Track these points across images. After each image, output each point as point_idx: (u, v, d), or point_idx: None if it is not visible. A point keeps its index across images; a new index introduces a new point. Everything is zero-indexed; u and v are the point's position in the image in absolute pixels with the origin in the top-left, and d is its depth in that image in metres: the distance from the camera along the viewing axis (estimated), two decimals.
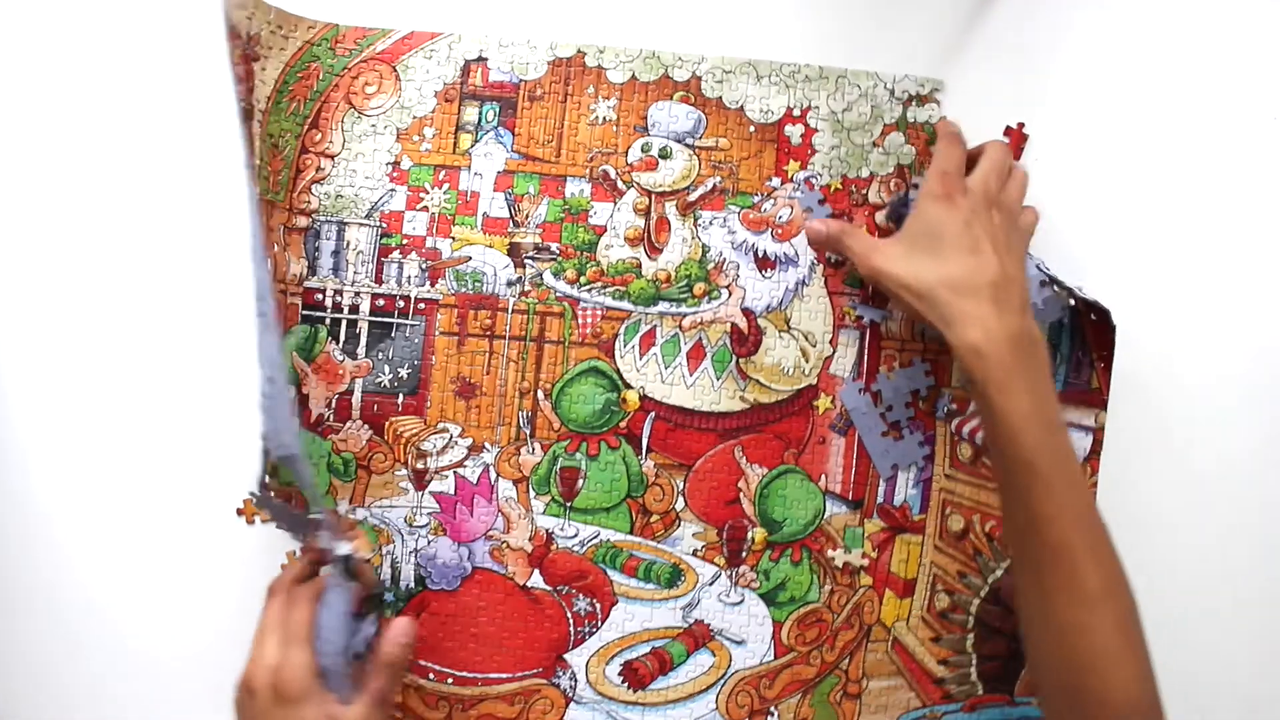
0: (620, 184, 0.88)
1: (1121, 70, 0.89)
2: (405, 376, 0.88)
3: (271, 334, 0.75)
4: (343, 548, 0.80)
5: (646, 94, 0.88)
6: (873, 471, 0.89)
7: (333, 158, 0.88)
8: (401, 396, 0.88)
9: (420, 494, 0.89)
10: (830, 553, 0.88)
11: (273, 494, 0.81)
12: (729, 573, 0.89)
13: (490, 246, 0.88)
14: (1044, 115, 0.88)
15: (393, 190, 0.88)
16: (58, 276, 0.90)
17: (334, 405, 0.88)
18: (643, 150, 0.88)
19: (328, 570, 0.80)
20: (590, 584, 0.89)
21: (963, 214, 0.76)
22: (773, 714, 0.89)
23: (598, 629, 0.89)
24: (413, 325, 0.88)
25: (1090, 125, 0.88)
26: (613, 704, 0.88)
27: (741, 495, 0.89)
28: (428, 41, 0.88)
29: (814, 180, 0.88)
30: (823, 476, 0.89)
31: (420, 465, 0.88)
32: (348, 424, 0.88)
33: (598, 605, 0.89)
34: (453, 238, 0.88)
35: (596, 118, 0.88)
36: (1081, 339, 0.88)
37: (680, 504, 0.89)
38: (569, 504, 0.89)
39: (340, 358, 0.88)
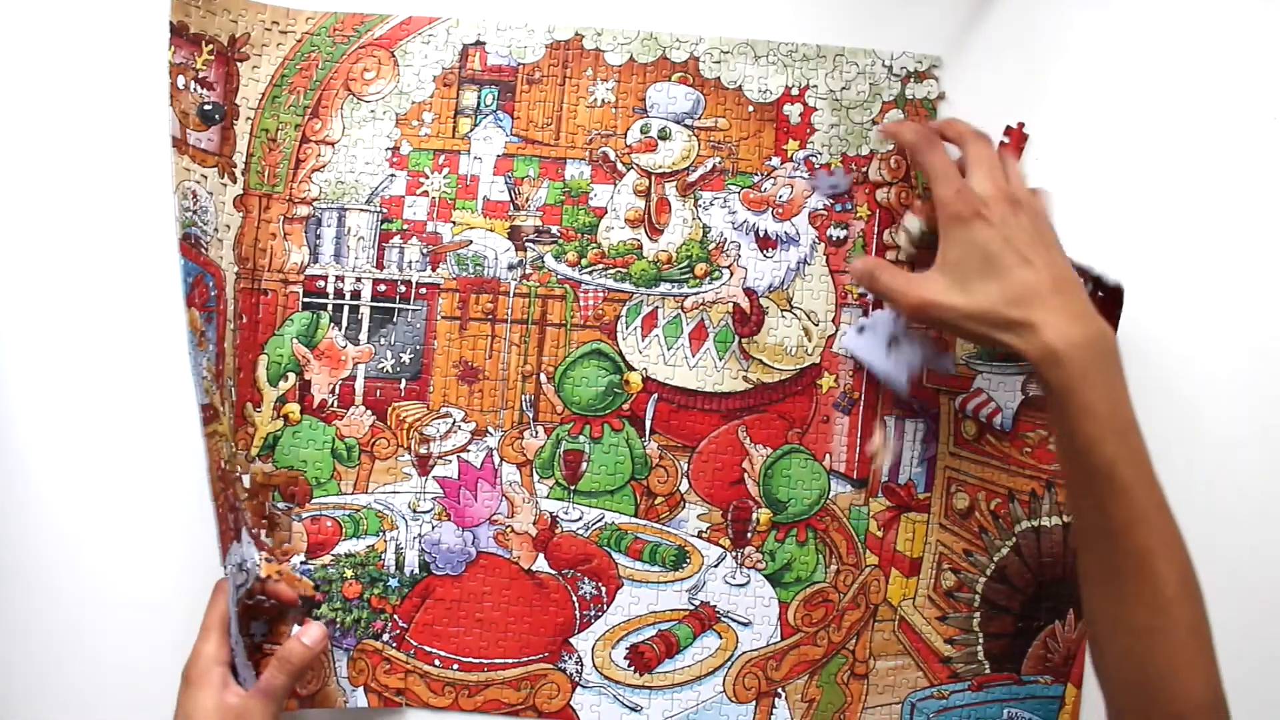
0: (620, 166, 0.88)
1: (1121, 70, 0.88)
2: (407, 361, 0.88)
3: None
4: (254, 565, 0.84)
5: (645, 75, 0.88)
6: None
7: (333, 144, 0.88)
8: (404, 381, 0.88)
9: (424, 479, 0.88)
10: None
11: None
12: (734, 554, 0.89)
13: (491, 230, 0.88)
14: (1044, 114, 0.88)
15: (393, 175, 0.88)
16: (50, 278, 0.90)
17: (337, 391, 0.88)
18: (642, 132, 0.88)
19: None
20: (595, 567, 0.89)
21: (997, 228, 0.73)
22: (780, 695, 0.89)
23: (603, 612, 0.88)
24: (414, 310, 0.88)
25: (1090, 125, 0.88)
26: (619, 687, 0.88)
27: (746, 476, 0.89)
28: (425, 26, 0.88)
29: (814, 159, 0.88)
30: (827, 455, 0.89)
31: (424, 450, 0.88)
32: (351, 410, 0.88)
33: (603, 589, 0.89)
34: (453, 222, 0.88)
35: (595, 100, 0.88)
36: None
37: (684, 485, 0.89)
38: (573, 487, 0.89)
39: (342, 344, 0.88)
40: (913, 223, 0.83)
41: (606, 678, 0.88)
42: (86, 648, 0.90)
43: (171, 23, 0.84)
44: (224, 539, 0.83)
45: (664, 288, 0.88)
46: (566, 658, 0.88)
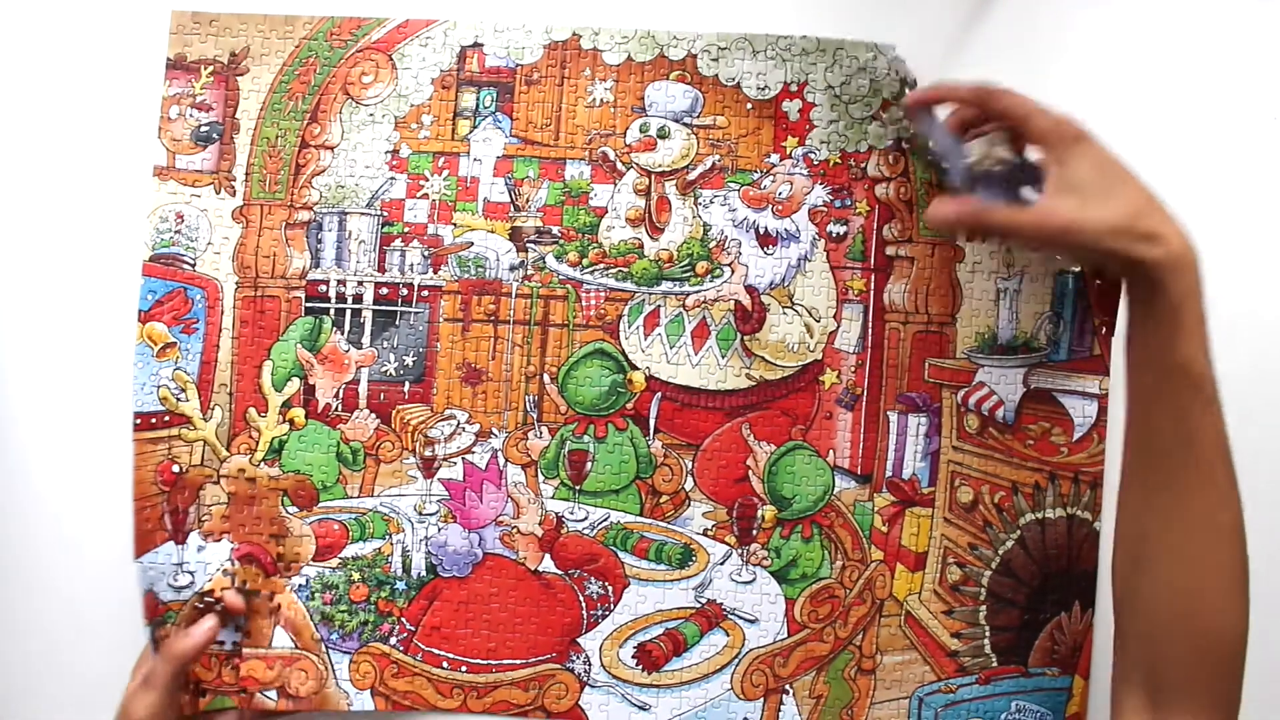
0: (620, 165, 0.88)
1: (1121, 70, 0.88)
2: (410, 364, 0.88)
3: None
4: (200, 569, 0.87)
5: (643, 74, 0.88)
6: (880, 445, 0.89)
7: (332, 149, 0.88)
8: (407, 384, 0.89)
9: (429, 481, 0.89)
10: None
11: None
12: (740, 551, 0.89)
13: (492, 232, 0.88)
14: None
15: (393, 179, 0.88)
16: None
17: (341, 395, 0.88)
18: (641, 131, 0.88)
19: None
20: (602, 567, 0.89)
21: (1099, 147, 0.75)
22: (788, 691, 0.89)
23: (610, 612, 0.89)
24: (416, 313, 0.88)
25: (1090, 125, 0.88)
26: (628, 686, 0.88)
27: (750, 473, 0.89)
28: (423, 29, 0.88)
29: (813, 156, 0.88)
30: (830, 451, 0.89)
31: (428, 453, 0.88)
32: (355, 413, 0.88)
33: (610, 588, 0.89)
34: (454, 224, 0.88)
35: (594, 100, 0.88)
36: (1085, 303, 0.88)
37: (689, 484, 0.89)
38: (578, 487, 0.89)
39: (345, 348, 0.88)
40: (1002, 149, 0.80)
41: (615, 677, 0.88)
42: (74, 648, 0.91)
43: (169, 57, 0.86)
44: (147, 538, 0.86)
45: (665, 286, 0.88)
46: (574, 658, 0.88)
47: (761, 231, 0.88)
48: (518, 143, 0.88)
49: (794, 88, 0.88)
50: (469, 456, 0.88)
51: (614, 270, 0.88)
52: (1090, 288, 0.87)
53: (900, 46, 0.88)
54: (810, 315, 0.88)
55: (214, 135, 0.88)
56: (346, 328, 0.88)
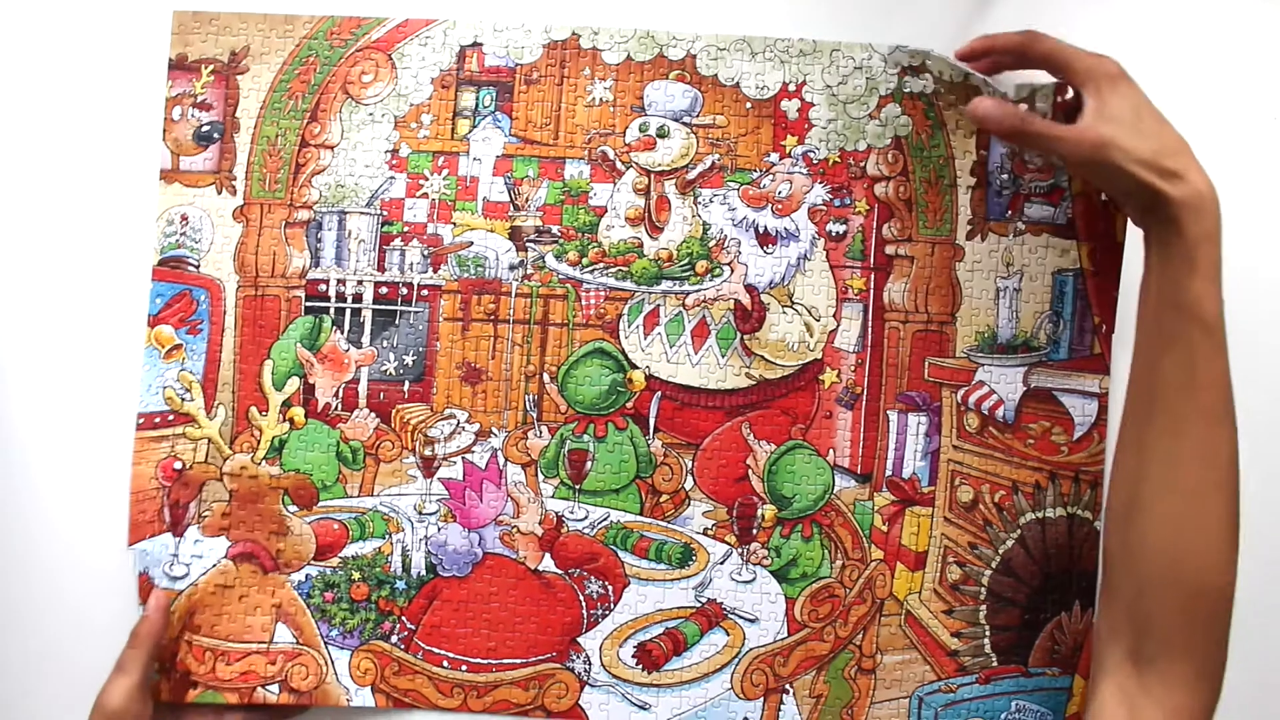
0: (619, 164, 0.88)
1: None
2: (410, 363, 0.89)
3: None
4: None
5: (642, 74, 0.88)
6: (880, 445, 0.89)
7: (332, 148, 0.89)
8: (407, 384, 0.89)
9: (429, 481, 0.89)
10: None
11: None
12: (740, 550, 0.89)
13: (491, 231, 0.88)
14: None
15: (392, 178, 0.88)
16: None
17: (341, 394, 0.88)
18: (640, 130, 0.88)
19: None
20: (602, 566, 0.89)
21: (1136, 88, 0.77)
22: (788, 691, 0.89)
23: (610, 611, 0.89)
24: (416, 312, 0.89)
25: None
26: (628, 686, 0.88)
27: (750, 472, 0.89)
28: (422, 29, 0.88)
29: (812, 155, 0.88)
30: (830, 451, 0.89)
31: (428, 452, 0.89)
32: (355, 412, 0.89)
33: (610, 587, 0.89)
34: (454, 223, 0.88)
35: (593, 99, 0.88)
36: (1084, 302, 0.88)
37: (689, 483, 0.89)
38: (578, 486, 0.89)
39: (345, 347, 0.89)
40: (1044, 105, 0.82)
41: (615, 676, 0.88)
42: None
43: (170, 58, 0.86)
44: (143, 528, 0.87)
45: (665, 285, 0.88)
46: (574, 657, 0.88)
47: (761, 230, 0.88)
48: (517, 142, 0.88)
49: (792, 87, 0.88)
50: (469, 456, 0.89)
51: (614, 269, 0.88)
52: (1090, 284, 0.87)
53: (898, 42, 0.88)
54: (810, 314, 0.88)
55: (215, 135, 0.89)
56: (346, 327, 0.89)
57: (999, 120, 0.78)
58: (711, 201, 0.88)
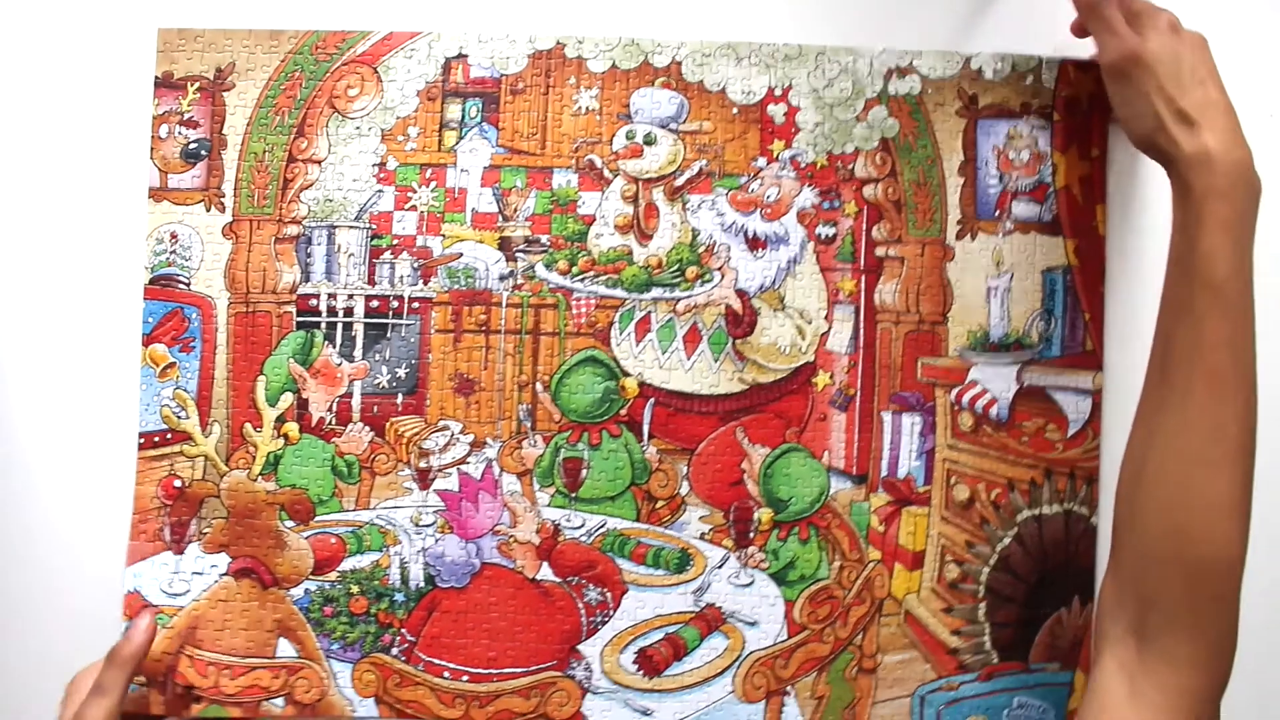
0: (607, 173, 0.88)
1: None
2: (403, 376, 0.89)
3: None
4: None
5: (628, 81, 0.88)
6: (875, 445, 0.89)
7: (319, 163, 0.89)
8: (401, 396, 0.89)
9: (425, 493, 0.89)
10: None
11: None
12: (738, 554, 0.89)
13: (481, 242, 0.88)
14: None
15: (380, 191, 0.88)
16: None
17: (334, 409, 0.89)
18: (627, 138, 0.88)
19: None
20: (600, 573, 0.89)
21: (1188, 49, 0.76)
22: (790, 693, 0.89)
23: (610, 618, 0.89)
24: (408, 325, 0.89)
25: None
26: (629, 692, 0.88)
27: (745, 476, 0.89)
28: (407, 41, 0.88)
29: (799, 159, 0.88)
30: (825, 453, 0.89)
31: (423, 464, 0.89)
32: (349, 426, 0.89)
33: (608, 594, 0.89)
34: (443, 235, 0.88)
35: (579, 108, 0.88)
36: (1075, 298, 0.88)
37: (685, 488, 0.89)
38: (574, 495, 0.89)
39: (338, 361, 0.89)
40: None
41: (616, 683, 0.88)
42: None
43: (156, 76, 0.86)
44: (142, 550, 0.88)
45: (656, 292, 0.88)
46: (575, 665, 0.89)
47: (750, 235, 0.88)
48: (504, 152, 0.88)
49: (778, 92, 0.88)
50: (464, 467, 0.89)
51: (604, 277, 0.88)
52: (1077, 279, 0.87)
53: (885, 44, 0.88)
54: (801, 317, 0.88)
55: (202, 152, 0.89)
56: (338, 341, 0.89)
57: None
58: (700, 207, 0.88)
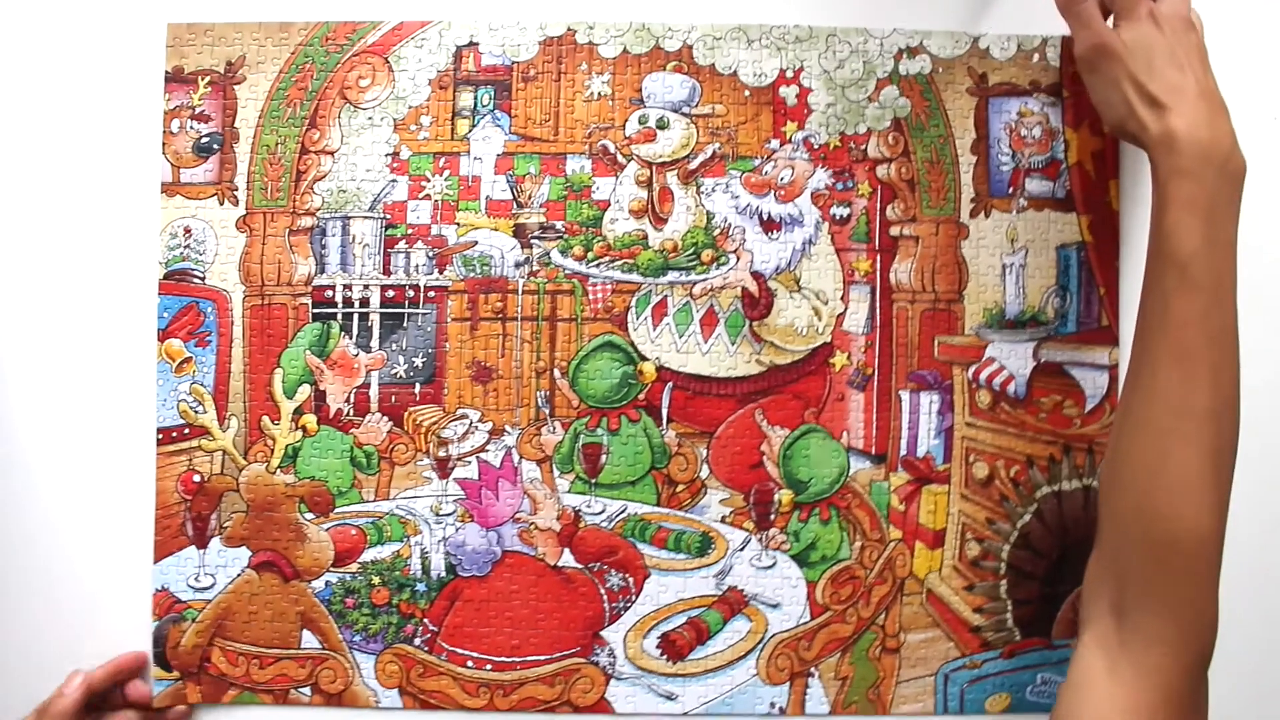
0: (620, 158, 0.88)
1: None
2: (420, 365, 0.89)
3: None
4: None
5: (639, 66, 0.88)
6: (893, 425, 0.89)
7: (332, 154, 0.89)
8: (418, 386, 0.89)
9: (444, 482, 0.89)
10: None
11: None
12: (759, 537, 0.89)
13: (495, 229, 0.88)
14: None
15: (394, 181, 0.88)
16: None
17: (352, 400, 0.88)
18: (640, 122, 0.88)
19: None
20: (621, 559, 0.89)
21: (1165, 37, 0.76)
22: (813, 674, 0.89)
23: (632, 603, 0.89)
24: (424, 314, 0.89)
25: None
26: (653, 677, 0.88)
27: (765, 458, 0.89)
28: (418, 30, 0.88)
29: (812, 140, 0.88)
30: (844, 433, 0.89)
31: (442, 453, 0.89)
32: (367, 417, 0.88)
33: (630, 580, 0.89)
34: (457, 223, 0.88)
35: (592, 94, 0.88)
36: (1089, 274, 0.88)
37: (705, 472, 0.89)
38: (594, 480, 0.89)
39: (354, 352, 0.89)
40: None
41: (640, 668, 0.88)
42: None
43: (167, 71, 0.86)
44: (168, 545, 0.88)
45: (672, 276, 0.88)
46: (598, 651, 0.88)
47: (765, 217, 0.88)
48: (517, 140, 0.88)
49: (790, 73, 0.88)
50: (483, 455, 0.89)
51: (619, 262, 0.88)
52: (1092, 254, 0.87)
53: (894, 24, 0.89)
54: (818, 298, 0.89)
55: (214, 146, 0.89)
56: (354, 332, 0.89)
57: None
58: (714, 190, 0.88)
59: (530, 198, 0.88)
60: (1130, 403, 0.75)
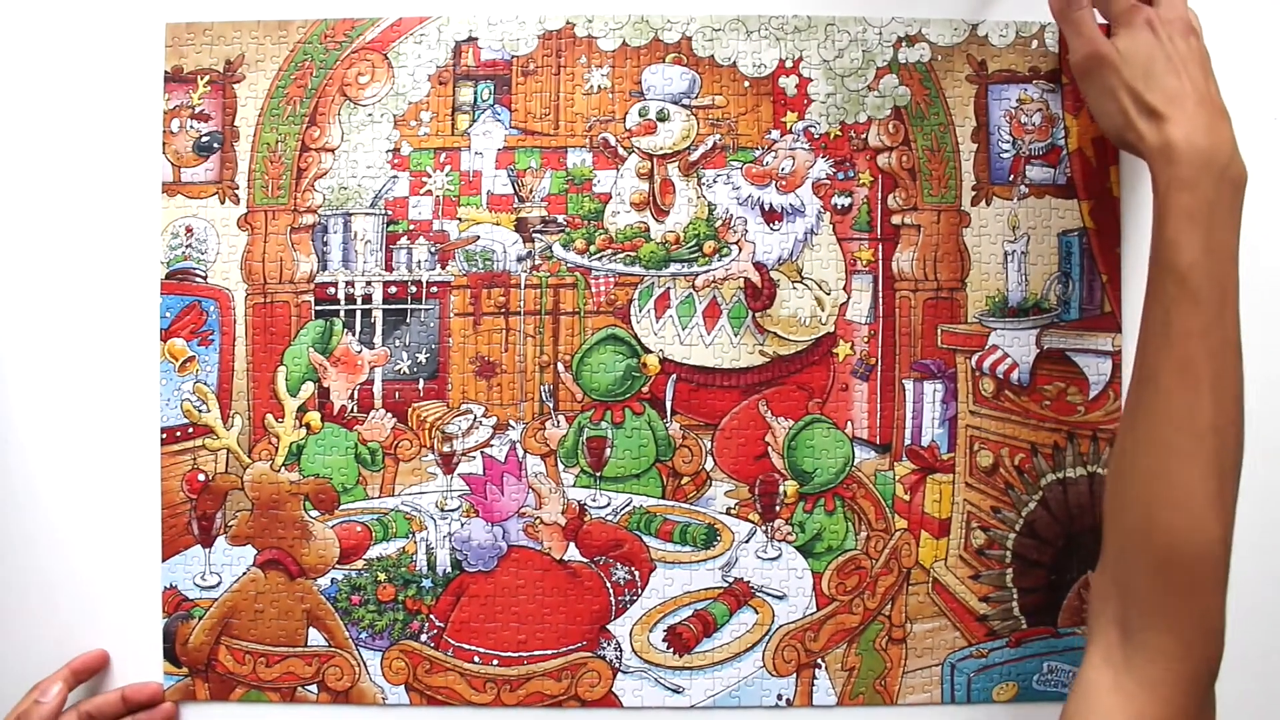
0: (621, 150, 0.88)
1: None
2: (424, 361, 0.89)
3: None
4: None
5: (639, 59, 0.88)
6: (897, 414, 0.89)
7: (333, 151, 0.89)
8: (422, 381, 0.89)
9: (449, 477, 0.89)
10: None
11: None
12: (764, 528, 0.89)
13: (497, 224, 0.88)
14: None
15: (395, 177, 0.88)
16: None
17: (356, 396, 0.88)
18: (640, 115, 0.88)
19: None
20: (627, 552, 0.89)
21: (1162, 44, 0.76)
22: (820, 665, 0.89)
23: (638, 596, 0.89)
24: (427, 309, 0.88)
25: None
26: (660, 670, 0.88)
27: (769, 449, 0.89)
28: (416, 26, 0.88)
29: (813, 130, 0.88)
30: (849, 423, 0.89)
31: (447, 448, 0.88)
32: (371, 413, 0.88)
33: (636, 573, 0.89)
34: (459, 218, 0.88)
35: (591, 87, 0.88)
36: (1091, 260, 0.88)
37: (709, 464, 0.89)
38: (599, 474, 0.89)
39: (358, 348, 0.89)
40: None
41: (647, 661, 0.88)
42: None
43: (166, 70, 0.86)
44: (175, 544, 0.88)
45: (674, 268, 0.88)
46: (605, 645, 0.88)
47: (766, 208, 0.88)
48: (518, 134, 0.88)
49: (789, 64, 0.88)
50: (488, 450, 0.89)
51: (622, 255, 0.88)
52: (1094, 241, 0.87)
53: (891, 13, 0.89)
54: (820, 288, 0.89)
55: (214, 145, 0.89)
56: (357, 328, 0.89)
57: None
58: (715, 182, 0.88)
59: (531, 192, 0.88)
60: (1133, 417, 0.74)
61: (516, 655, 0.88)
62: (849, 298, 0.89)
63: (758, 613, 0.89)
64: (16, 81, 0.89)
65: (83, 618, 0.89)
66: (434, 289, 0.88)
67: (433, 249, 0.88)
